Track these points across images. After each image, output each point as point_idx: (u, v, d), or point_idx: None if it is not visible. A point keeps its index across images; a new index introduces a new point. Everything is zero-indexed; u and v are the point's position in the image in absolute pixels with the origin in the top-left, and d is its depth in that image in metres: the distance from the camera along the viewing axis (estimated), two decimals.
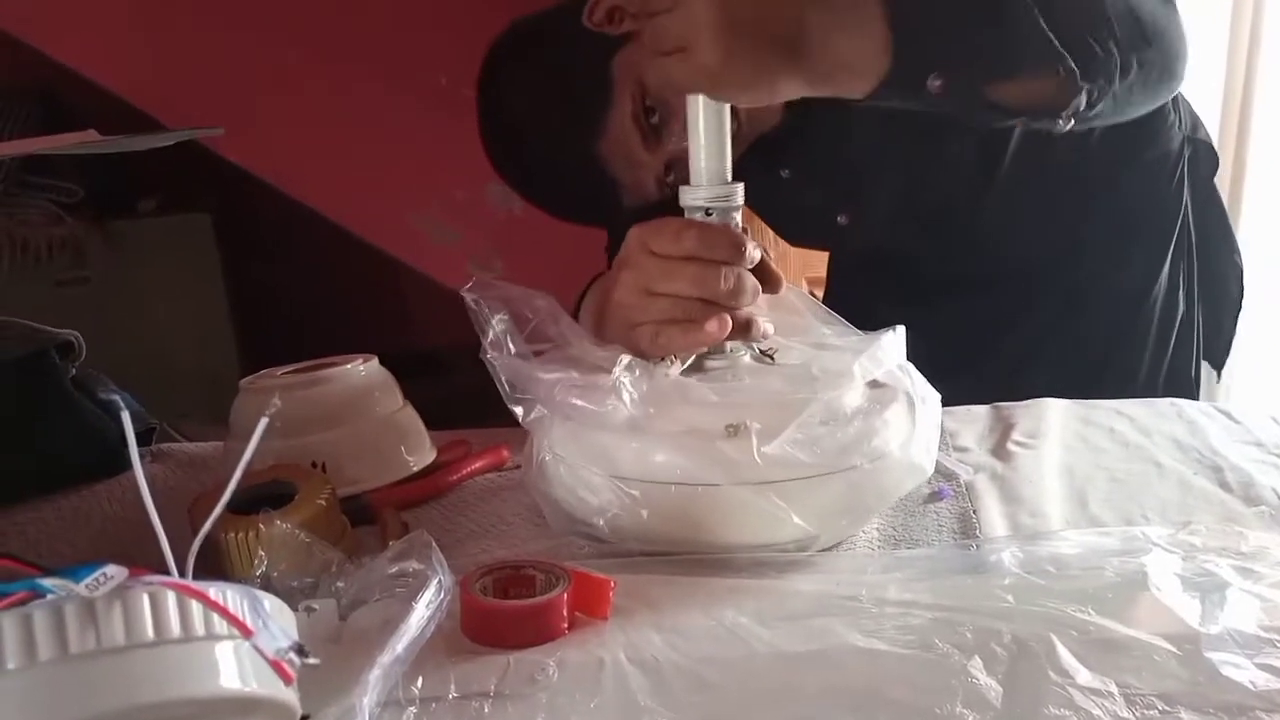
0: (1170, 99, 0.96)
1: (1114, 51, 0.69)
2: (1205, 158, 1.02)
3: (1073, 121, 0.70)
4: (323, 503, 0.62)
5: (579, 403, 0.57)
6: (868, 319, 0.67)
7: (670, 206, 0.66)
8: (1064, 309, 1.00)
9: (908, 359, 0.65)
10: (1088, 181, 0.92)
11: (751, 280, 0.63)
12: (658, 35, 0.61)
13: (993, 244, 0.98)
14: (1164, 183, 0.99)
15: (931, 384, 0.65)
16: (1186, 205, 1.01)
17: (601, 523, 0.58)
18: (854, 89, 0.65)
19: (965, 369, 0.93)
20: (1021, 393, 0.86)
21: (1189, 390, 1.03)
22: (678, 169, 0.85)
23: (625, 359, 0.59)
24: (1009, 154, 0.92)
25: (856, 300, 0.82)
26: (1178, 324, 1.02)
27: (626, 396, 0.57)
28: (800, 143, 0.85)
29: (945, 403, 0.65)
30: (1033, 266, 0.99)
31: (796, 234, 1.11)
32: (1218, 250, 1.05)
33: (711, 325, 0.62)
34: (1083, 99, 0.68)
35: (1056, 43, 0.65)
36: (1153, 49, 0.72)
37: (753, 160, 0.89)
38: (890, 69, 0.63)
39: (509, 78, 0.89)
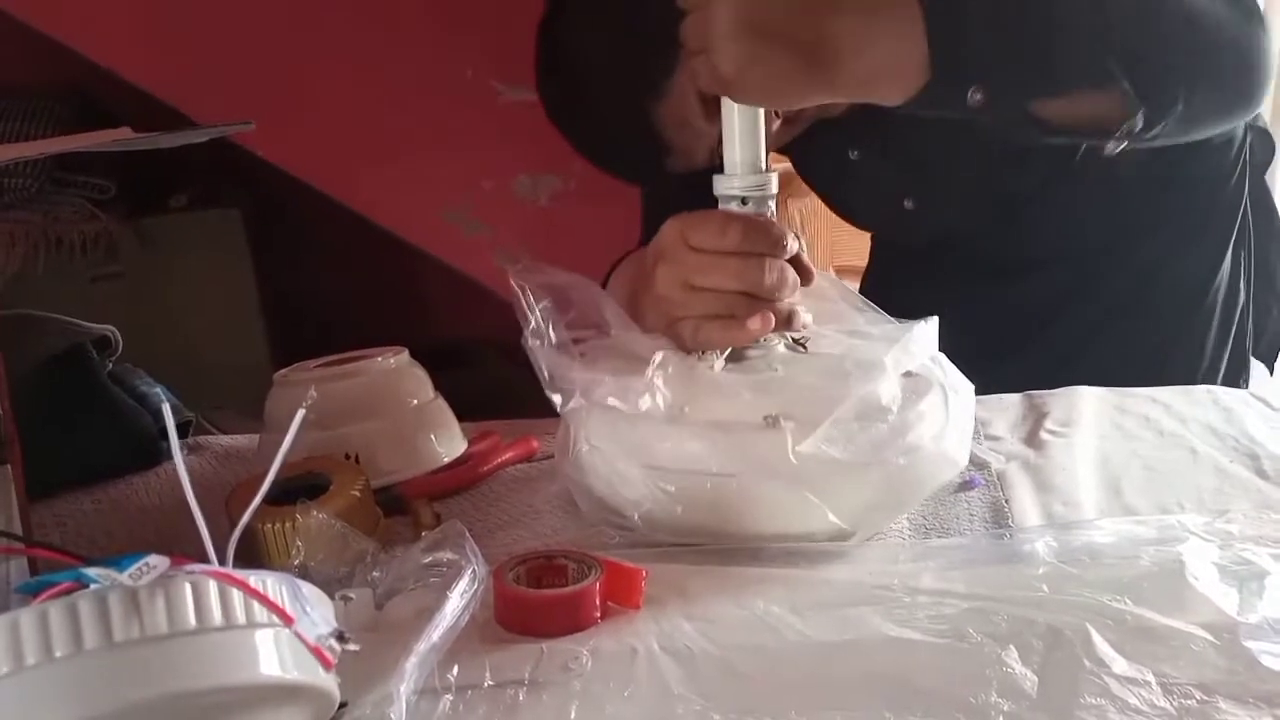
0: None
1: (1178, 74, 0.66)
2: (1262, 144, 0.99)
3: (1125, 143, 0.68)
4: (357, 493, 0.62)
5: (614, 403, 0.58)
6: (911, 305, 0.67)
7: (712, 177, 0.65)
8: (1126, 297, 0.98)
9: (956, 347, 0.65)
10: (1155, 165, 0.90)
11: (792, 273, 0.63)
12: (686, 34, 0.61)
13: (1057, 229, 0.96)
14: (1228, 167, 0.97)
15: (981, 373, 0.64)
16: (1246, 192, 0.99)
17: (636, 516, 0.59)
18: (889, 97, 0.63)
19: (1018, 356, 0.92)
20: (1077, 382, 0.85)
21: (1248, 381, 1.02)
22: None
23: (659, 356, 0.59)
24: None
25: (901, 286, 0.81)
26: (1238, 313, 1.01)
27: (660, 399, 0.58)
28: (871, 125, 0.84)
29: (992, 393, 0.64)
30: (1094, 252, 0.97)
31: (860, 216, 1.09)
32: (1266, 240, 1.03)
33: (755, 322, 0.61)
34: (1139, 121, 0.65)
35: (1112, 62, 0.63)
36: (1225, 73, 0.70)
37: (822, 140, 0.88)
38: (929, 80, 0.62)
39: (575, 22, 0.86)
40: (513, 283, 0.60)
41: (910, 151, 0.93)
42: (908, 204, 0.98)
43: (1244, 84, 0.73)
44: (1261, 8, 0.74)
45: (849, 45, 0.61)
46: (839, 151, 0.96)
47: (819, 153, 0.96)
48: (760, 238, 0.61)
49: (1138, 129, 0.66)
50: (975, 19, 0.62)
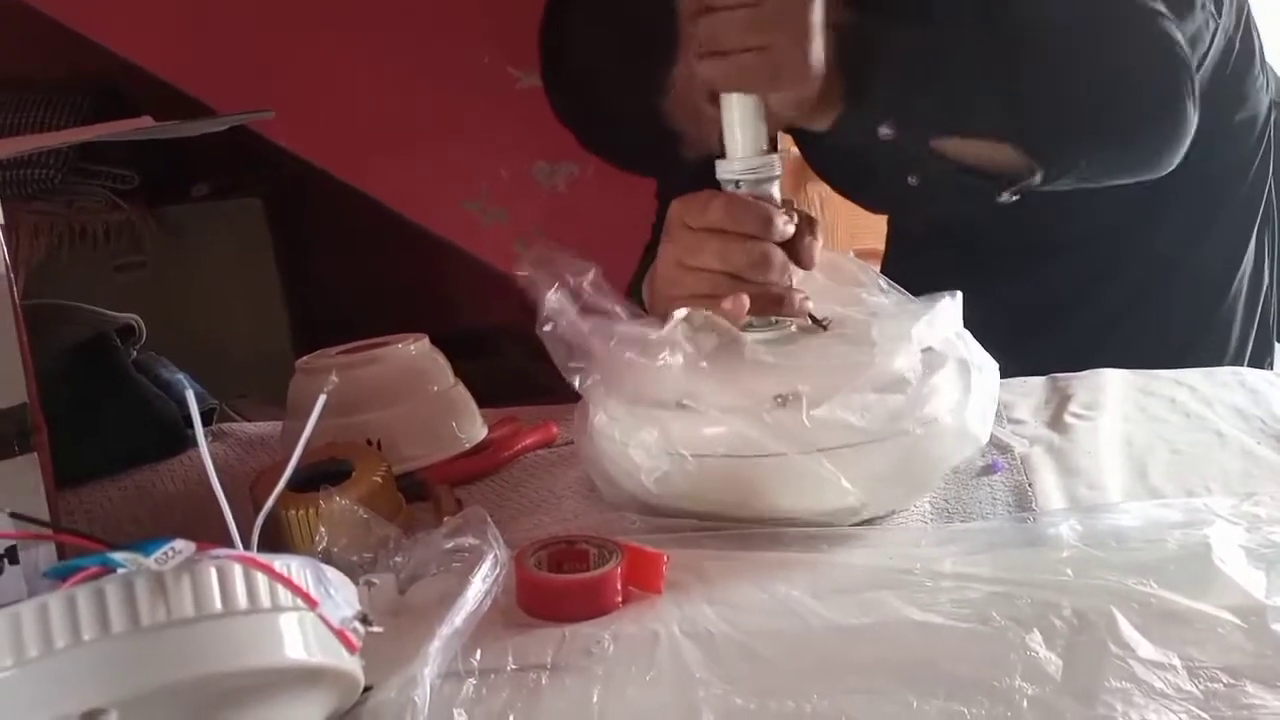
0: (1251, 78, 0.93)
1: (1079, 141, 0.70)
2: None
3: (1017, 196, 0.72)
4: (379, 479, 0.62)
5: (633, 357, 0.58)
6: (931, 291, 0.66)
7: None
8: (1148, 283, 0.97)
9: (976, 332, 0.64)
10: None
11: (779, 255, 0.63)
12: (722, 31, 0.61)
13: (1069, 210, 0.95)
14: (1251, 147, 0.95)
15: (1003, 359, 0.64)
16: (1271, 172, 0.98)
17: (650, 482, 0.58)
18: (820, 124, 0.68)
19: (1038, 343, 0.92)
20: (1099, 366, 0.84)
21: (1274, 365, 1.01)
22: None
23: (682, 312, 0.60)
24: None
25: (919, 271, 0.81)
26: (1263, 297, 0.99)
27: (680, 354, 0.58)
28: None
29: (1014, 376, 0.64)
30: (1111, 233, 0.96)
31: (867, 195, 1.09)
32: None
33: (726, 304, 0.61)
34: (1036, 177, 0.69)
35: (1009, 121, 0.67)
36: (1138, 140, 0.72)
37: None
38: (840, 114, 0.67)
39: (572, 25, 0.87)
40: (522, 272, 0.61)
41: None
42: (911, 180, 0.97)
43: (1158, 149, 0.75)
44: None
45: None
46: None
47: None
48: (743, 216, 0.62)
49: (1035, 183, 0.70)
50: (885, 64, 0.67)
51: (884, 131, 0.66)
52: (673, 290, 0.65)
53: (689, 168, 0.84)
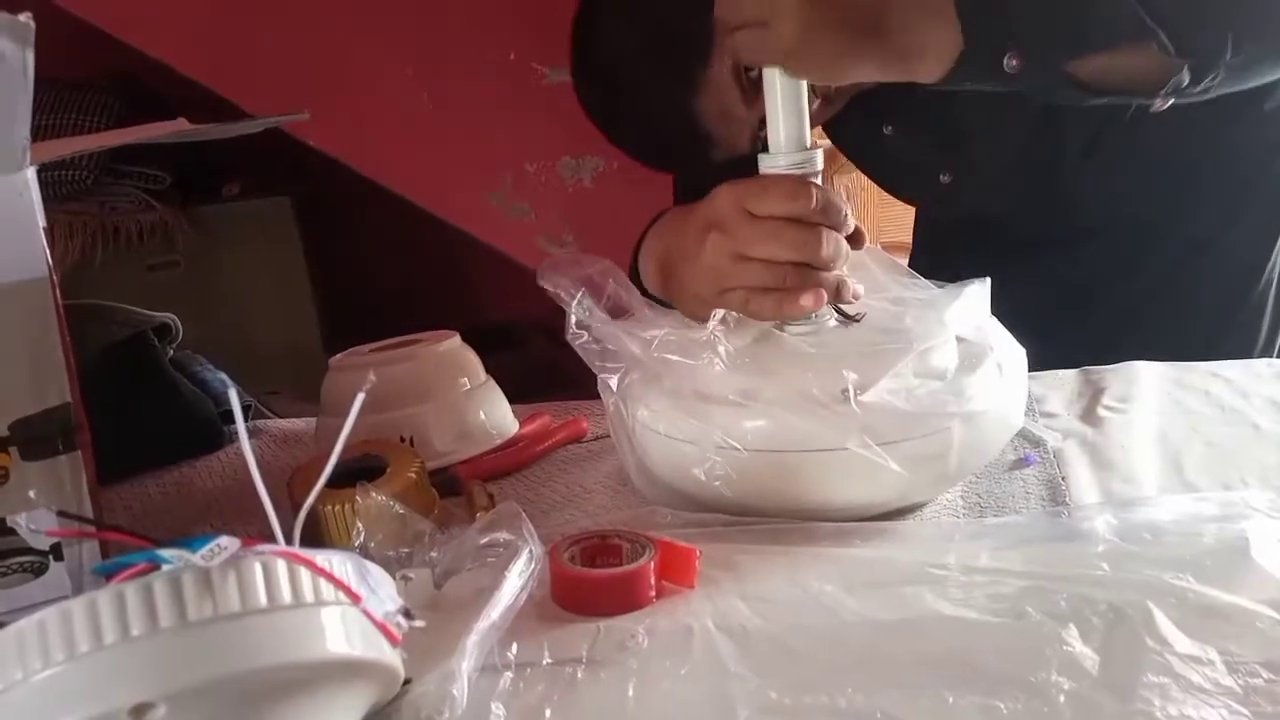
0: None
1: (1221, 25, 0.64)
2: None
3: (1171, 100, 0.66)
4: (413, 475, 0.63)
5: (675, 358, 0.58)
6: (956, 279, 0.66)
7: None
8: (1174, 268, 0.96)
9: (1003, 320, 0.64)
10: (1201, 132, 0.87)
11: (845, 245, 0.62)
12: (734, 7, 0.60)
13: (1097, 201, 0.94)
14: None
15: (1028, 348, 0.64)
16: None
17: (702, 475, 0.58)
18: (927, 74, 0.63)
19: (1064, 332, 0.91)
20: (1125, 357, 0.83)
21: None
22: None
23: (720, 313, 0.59)
24: (1131, 106, 0.85)
25: (946, 263, 0.81)
26: None
27: (722, 350, 0.58)
28: (904, 100, 0.83)
29: (1039, 367, 0.64)
30: (1138, 223, 0.95)
31: (899, 189, 1.09)
32: None
33: (807, 299, 0.60)
34: (1185, 76, 0.64)
35: (1146, 17, 0.61)
36: (1274, 16, 0.68)
37: (856, 114, 0.88)
38: (962, 51, 0.61)
39: (605, 23, 0.86)
40: (543, 285, 0.61)
41: (943, 127, 0.92)
42: (944, 178, 0.97)
43: None
44: None
45: (896, 22, 0.61)
46: (873, 127, 0.95)
47: (854, 129, 0.95)
48: (828, 208, 0.61)
49: (1184, 84, 0.64)
50: None
51: (1010, 63, 0.62)
52: (731, 281, 0.62)
53: (716, 167, 0.83)
